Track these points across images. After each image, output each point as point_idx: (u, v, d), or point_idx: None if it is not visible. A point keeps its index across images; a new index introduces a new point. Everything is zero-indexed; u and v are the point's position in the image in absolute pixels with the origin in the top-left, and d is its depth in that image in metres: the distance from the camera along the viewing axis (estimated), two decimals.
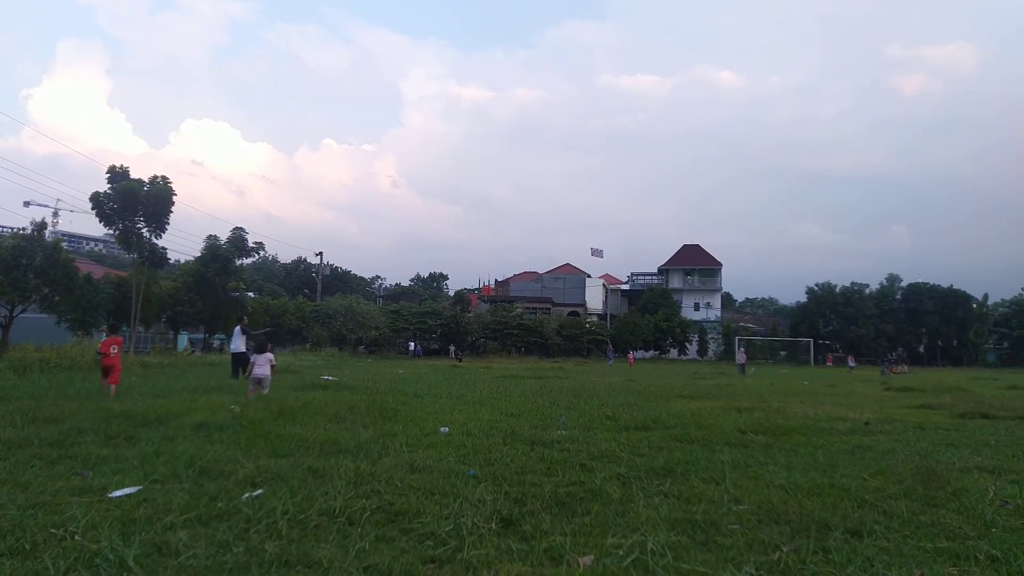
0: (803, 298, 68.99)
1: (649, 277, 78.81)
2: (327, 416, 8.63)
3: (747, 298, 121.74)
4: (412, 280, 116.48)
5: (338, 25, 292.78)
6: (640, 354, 57.79)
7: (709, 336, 65.58)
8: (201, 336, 44.95)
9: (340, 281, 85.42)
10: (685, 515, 4.36)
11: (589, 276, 76.33)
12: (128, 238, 30.27)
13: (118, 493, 4.59)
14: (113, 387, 11.08)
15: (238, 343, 15.87)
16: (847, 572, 3.37)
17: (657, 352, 62.05)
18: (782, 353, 64.99)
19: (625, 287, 79.04)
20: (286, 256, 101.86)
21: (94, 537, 3.61)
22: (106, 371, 11.34)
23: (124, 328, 30.98)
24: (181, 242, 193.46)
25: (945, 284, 65.96)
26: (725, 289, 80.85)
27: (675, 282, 74.60)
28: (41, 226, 28.18)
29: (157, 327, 43.44)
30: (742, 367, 33.15)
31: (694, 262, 75.23)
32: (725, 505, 4.63)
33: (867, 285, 67.71)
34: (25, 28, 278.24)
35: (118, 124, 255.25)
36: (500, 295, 71.53)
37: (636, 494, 4.95)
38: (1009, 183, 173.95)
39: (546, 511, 4.45)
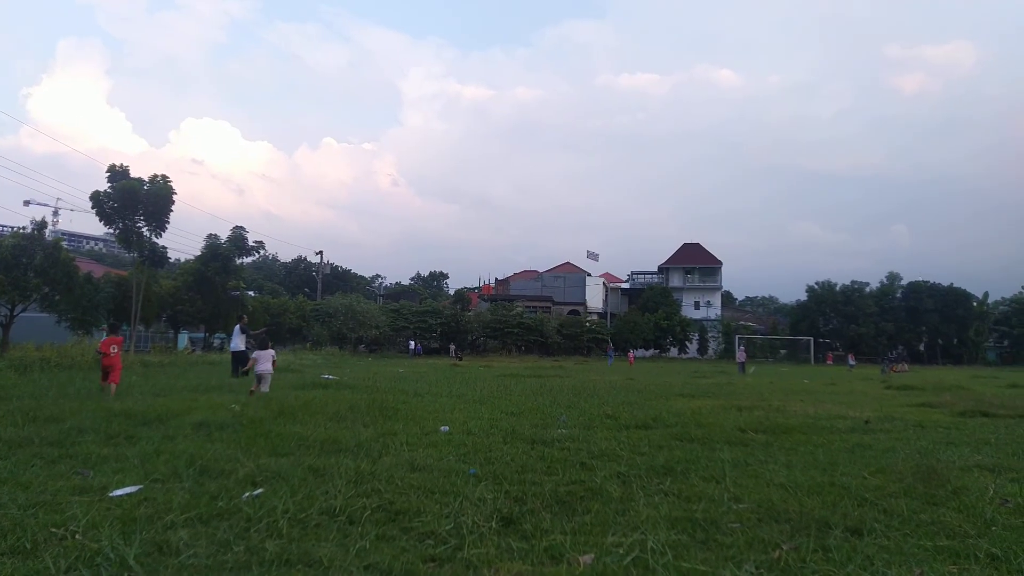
0: (803, 297, 68.98)
1: (649, 276, 78.78)
2: (327, 415, 8.63)
3: (747, 297, 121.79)
4: (412, 279, 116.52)
5: (337, 24, 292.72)
6: (640, 353, 57.79)
7: (709, 335, 65.53)
8: (201, 335, 44.96)
9: (340, 280, 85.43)
10: (685, 514, 4.36)
11: (589, 275, 76.29)
12: (128, 237, 30.29)
13: (119, 492, 4.60)
14: (113, 386, 11.10)
15: (237, 342, 15.91)
16: (847, 570, 3.37)
17: (657, 351, 62.03)
18: (782, 352, 65.01)
19: (625, 286, 79.01)
20: (286, 255, 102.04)
21: (95, 536, 3.61)
22: (106, 371, 11.35)
23: (124, 327, 30.99)
24: (181, 241, 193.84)
25: (945, 283, 65.99)
26: (725, 288, 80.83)
27: (675, 281, 74.56)
28: (41, 225, 28.17)
29: (157, 326, 43.45)
30: (742, 365, 33.15)
31: (694, 261, 75.20)
32: (725, 503, 4.64)
33: (867, 284, 67.74)
34: (25, 27, 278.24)
35: (118, 123, 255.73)
36: (500, 294, 71.50)
37: (636, 493, 4.95)
38: (1009, 182, 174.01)
39: (546, 510, 4.45)
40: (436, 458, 6.09)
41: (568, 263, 79.98)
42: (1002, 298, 69.78)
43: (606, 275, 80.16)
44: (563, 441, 7.32)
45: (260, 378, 11.70)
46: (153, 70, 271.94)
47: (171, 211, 30.75)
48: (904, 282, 68.15)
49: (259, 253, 45.60)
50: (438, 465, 5.76)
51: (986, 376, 31.98)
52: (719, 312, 73.72)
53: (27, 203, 65.71)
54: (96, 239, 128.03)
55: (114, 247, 67.77)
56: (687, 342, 62.50)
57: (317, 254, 65.05)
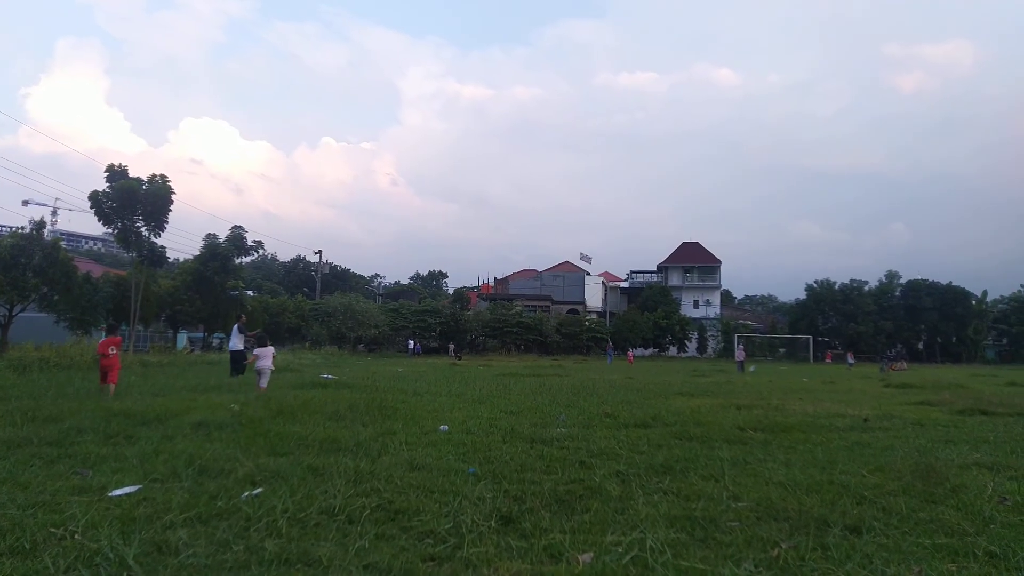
0: (802, 295, 68.99)
1: (648, 275, 78.70)
2: (326, 414, 8.63)
3: (746, 295, 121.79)
4: (411, 278, 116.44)
5: (336, 23, 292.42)
6: (639, 352, 57.78)
7: (708, 333, 65.49)
8: (200, 335, 44.92)
9: (339, 279, 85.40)
10: (684, 512, 4.36)
11: (588, 274, 76.29)
12: (127, 237, 30.27)
13: (118, 492, 4.59)
14: (112, 386, 11.10)
15: (236, 341, 15.93)
16: (846, 569, 3.38)
17: (656, 350, 62.02)
18: (781, 350, 64.99)
19: (624, 285, 78.95)
20: (285, 254, 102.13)
21: (94, 536, 3.61)
22: (105, 372, 11.34)
23: (123, 327, 30.96)
24: (180, 241, 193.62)
25: (944, 281, 66.03)
26: (724, 286, 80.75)
27: (674, 280, 74.52)
28: (40, 225, 28.19)
29: (156, 326, 43.47)
30: (741, 364, 33.15)
31: (693, 259, 75.16)
32: (724, 502, 4.64)
33: (866, 282, 67.72)
34: (23, 26, 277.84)
35: (117, 123, 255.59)
36: (499, 293, 71.46)
37: (635, 491, 4.95)
38: (1007, 181, 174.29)
39: (545, 509, 4.45)
40: (435, 457, 6.09)
41: (567, 262, 79.95)
42: (1001, 296, 69.89)
43: (605, 274, 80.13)
44: (562, 440, 7.32)
45: (259, 373, 12.06)
46: (152, 70, 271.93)
47: (170, 211, 30.76)
48: (903, 280, 68.19)
49: (258, 253, 45.63)
50: (437, 464, 5.76)
51: (985, 374, 32.03)
52: (718, 311, 73.69)
53: (26, 203, 65.77)
54: (95, 239, 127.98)
55: (113, 247, 67.76)
56: (686, 341, 62.46)
57: (316, 253, 65.06)
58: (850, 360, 43.64)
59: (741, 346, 41.14)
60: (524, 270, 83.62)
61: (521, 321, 56.78)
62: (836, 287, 66.13)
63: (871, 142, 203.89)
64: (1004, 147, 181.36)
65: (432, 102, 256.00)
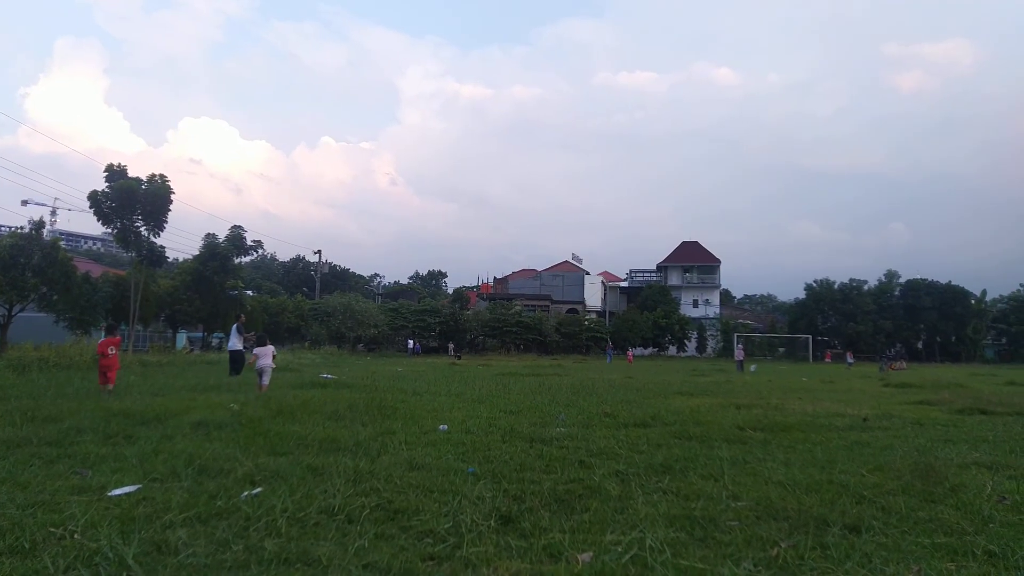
0: (802, 295, 69.02)
1: (648, 274, 78.72)
2: (326, 414, 8.63)
3: (746, 295, 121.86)
4: (411, 278, 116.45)
5: (335, 23, 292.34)
6: (639, 351, 57.78)
7: (708, 333, 65.52)
8: (200, 334, 44.91)
9: (339, 279, 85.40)
10: (684, 512, 4.37)
11: (588, 273, 76.32)
12: (126, 237, 30.27)
13: (117, 492, 4.59)
14: (110, 386, 11.11)
15: (235, 341, 15.95)
16: (845, 568, 3.38)
17: (656, 349, 62.04)
18: (781, 350, 65.03)
19: (624, 284, 78.98)
20: (284, 254, 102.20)
21: (93, 536, 3.61)
22: (104, 372, 11.34)
23: (123, 327, 30.96)
24: (179, 240, 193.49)
25: (943, 280, 66.07)
26: (724, 286, 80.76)
27: (674, 279, 74.53)
28: (39, 225, 28.16)
29: (156, 326, 43.44)
30: (740, 364, 33.17)
31: (693, 259, 75.18)
32: (724, 502, 4.64)
33: (865, 282, 67.76)
34: (22, 26, 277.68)
35: (116, 122, 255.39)
36: (499, 293, 71.45)
37: (635, 491, 4.96)
38: (1007, 180, 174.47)
39: (545, 508, 4.46)
40: (435, 457, 6.09)
41: (567, 262, 79.96)
42: (1000, 296, 70.03)
43: (604, 274, 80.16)
44: (562, 439, 7.32)
45: (261, 373, 12.07)
46: (151, 69, 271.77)
47: (169, 211, 30.76)
48: (902, 280, 68.23)
49: (257, 252, 45.61)
50: (437, 464, 5.76)
51: (984, 374, 32.07)
52: (718, 310, 73.73)
53: (25, 203, 65.55)
54: (94, 239, 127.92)
55: (112, 247, 67.75)
56: (686, 340, 62.49)
57: (315, 253, 64.99)
58: (849, 359, 43.67)
59: (740, 346, 41.18)
60: (523, 270, 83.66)
61: (520, 321, 56.78)
62: (835, 287, 66.15)
63: (871, 142, 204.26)
64: (1004, 146, 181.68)
65: (431, 102, 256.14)
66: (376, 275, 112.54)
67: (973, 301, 65.89)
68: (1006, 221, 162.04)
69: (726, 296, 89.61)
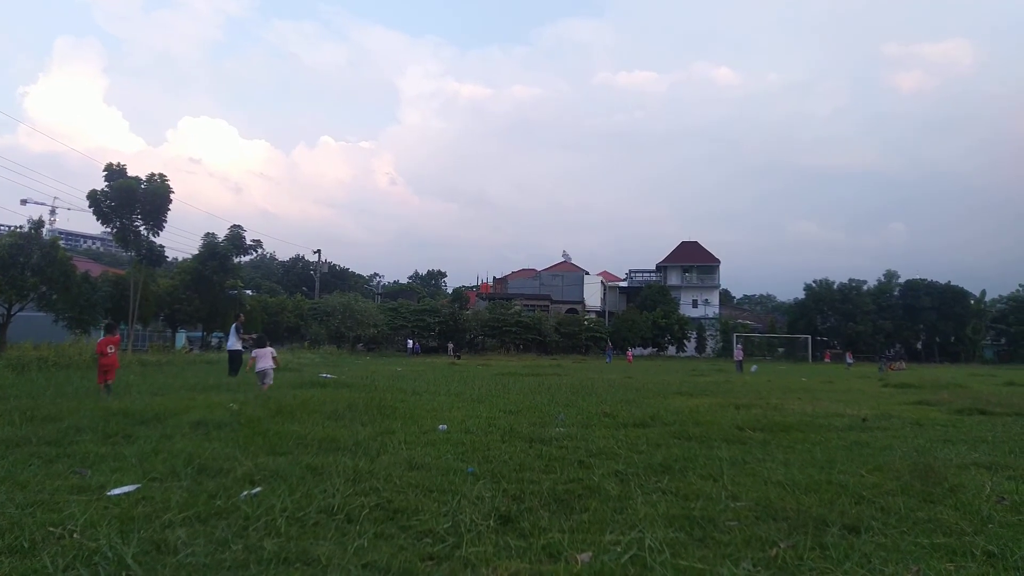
0: (801, 295, 69.05)
1: (647, 274, 78.75)
2: (325, 414, 8.62)
3: (745, 295, 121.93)
4: (410, 277, 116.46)
5: (335, 23, 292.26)
6: (638, 351, 57.79)
7: (707, 333, 65.54)
8: (199, 334, 44.89)
9: (338, 279, 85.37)
10: (683, 512, 4.37)
11: (587, 273, 76.32)
12: (126, 236, 30.23)
13: (116, 491, 4.59)
14: (110, 379, 11.13)
15: (233, 341, 15.94)
16: (844, 568, 3.38)
17: (655, 349, 62.05)
18: (780, 350, 65.03)
19: (623, 284, 78.98)
20: (284, 254, 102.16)
21: (93, 535, 3.61)
22: (103, 371, 11.33)
23: (122, 326, 30.93)
24: (179, 240, 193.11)
25: (943, 280, 66.11)
26: (723, 286, 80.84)
27: (673, 279, 74.55)
28: (38, 224, 28.14)
29: (155, 325, 43.40)
30: (740, 364, 33.17)
31: (692, 259, 75.19)
32: (723, 502, 4.64)
33: (865, 282, 67.79)
34: (22, 25, 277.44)
35: (115, 122, 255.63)
36: (498, 292, 71.46)
37: (634, 491, 4.96)
38: (1006, 180, 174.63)
39: (544, 508, 4.46)
40: (434, 457, 6.08)
41: (566, 262, 79.98)
42: (999, 296, 70.07)
43: (604, 274, 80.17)
44: (561, 439, 7.32)
45: (262, 375, 11.92)
46: (150, 69, 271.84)
47: (168, 210, 30.72)
48: (901, 280, 68.26)
49: (257, 252, 45.52)
50: (436, 464, 5.76)
51: (983, 374, 32.08)
52: (717, 310, 73.75)
53: (24, 202, 65.50)
54: (93, 238, 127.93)
55: (111, 246, 67.69)
56: (685, 340, 62.50)
57: (315, 253, 64.98)
58: (849, 360, 43.67)
59: (740, 345, 41.17)
60: (523, 269, 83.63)
61: (520, 321, 56.77)
62: (835, 287, 66.18)
63: (870, 141, 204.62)
64: (1003, 146, 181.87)
65: (431, 101, 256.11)
66: (375, 275, 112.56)
67: (972, 301, 65.91)
68: (1006, 220, 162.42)
69: (725, 296, 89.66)
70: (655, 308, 62.87)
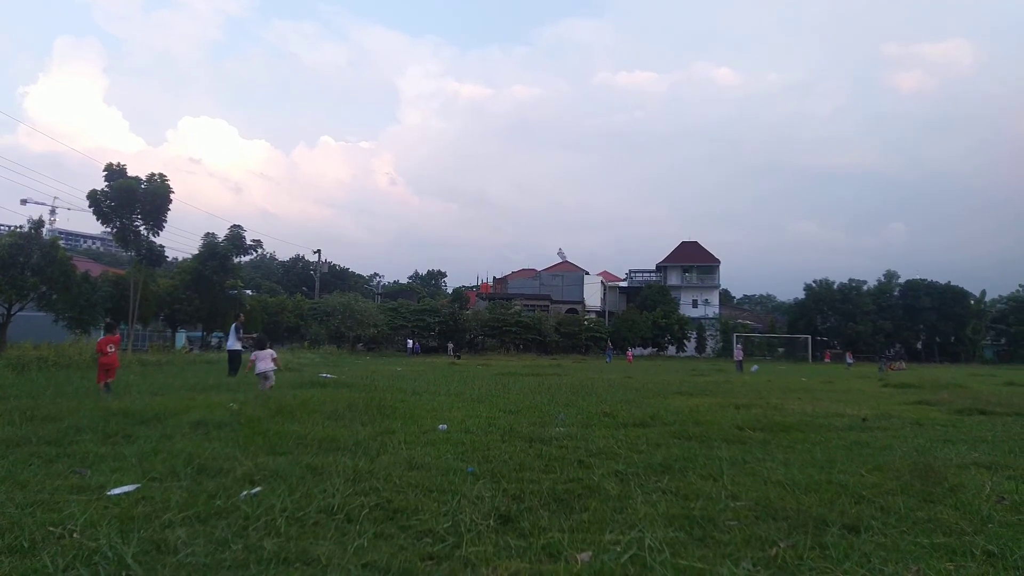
0: (801, 295, 69.07)
1: (647, 274, 78.78)
2: (325, 414, 8.61)
3: (745, 295, 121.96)
4: (410, 277, 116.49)
5: (335, 23, 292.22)
6: (638, 351, 57.80)
7: (707, 333, 65.55)
8: (199, 334, 44.90)
9: (338, 279, 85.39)
10: (683, 511, 4.36)
11: (587, 273, 76.32)
12: (126, 236, 30.24)
13: (116, 491, 4.59)
14: (111, 378, 11.14)
15: (233, 341, 15.94)
16: (844, 568, 3.38)
17: (655, 349, 62.05)
18: (780, 350, 65.04)
19: (623, 284, 79.00)
20: (284, 254, 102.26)
21: (93, 535, 3.61)
22: (103, 370, 11.34)
23: (122, 326, 30.93)
24: (179, 240, 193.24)
25: (943, 280, 66.12)
26: (723, 286, 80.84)
27: (673, 279, 74.56)
28: (38, 224, 28.14)
29: (155, 325, 43.41)
30: (740, 364, 33.17)
31: (692, 259, 75.19)
32: (723, 501, 4.64)
33: (865, 282, 67.81)
34: (21, 25, 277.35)
35: (115, 122, 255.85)
36: (498, 292, 71.46)
37: (634, 491, 4.95)
38: (1006, 179, 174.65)
39: (544, 508, 4.45)
40: (434, 456, 6.08)
41: (566, 262, 79.99)
42: (999, 296, 70.10)
43: (604, 274, 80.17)
44: (561, 439, 7.32)
45: (264, 377, 11.85)
46: (150, 68, 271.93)
47: (168, 210, 30.73)
48: (901, 280, 68.28)
49: (257, 252, 45.54)
50: (436, 463, 5.76)
51: (983, 374, 32.08)
52: (717, 310, 73.76)
53: (24, 202, 65.66)
54: (93, 238, 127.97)
55: (111, 246, 67.69)
56: (685, 340, 62.51)
57: (315, 253, 65.00)
58: (849, 360, 43.67)
59: (740, 345, 41.17)
60: (523, 269, 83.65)
61: (520, 320, 56.78)
62: (835, 287, 66.19)
63: (870, 140, 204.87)
64: (1003, 146, 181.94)
65: (431, 101, 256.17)
66: (375, 275, 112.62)
67: (972, 301, 65.94)
68: (1006, 220, 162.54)
69: (725, 296, 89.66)
70: (655, 308, 62.87)
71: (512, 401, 11.73)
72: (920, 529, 4.07)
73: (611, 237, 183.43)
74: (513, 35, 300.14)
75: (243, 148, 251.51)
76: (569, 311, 65.20)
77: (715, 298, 75.09)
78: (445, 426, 8.06)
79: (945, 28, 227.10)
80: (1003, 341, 67.81)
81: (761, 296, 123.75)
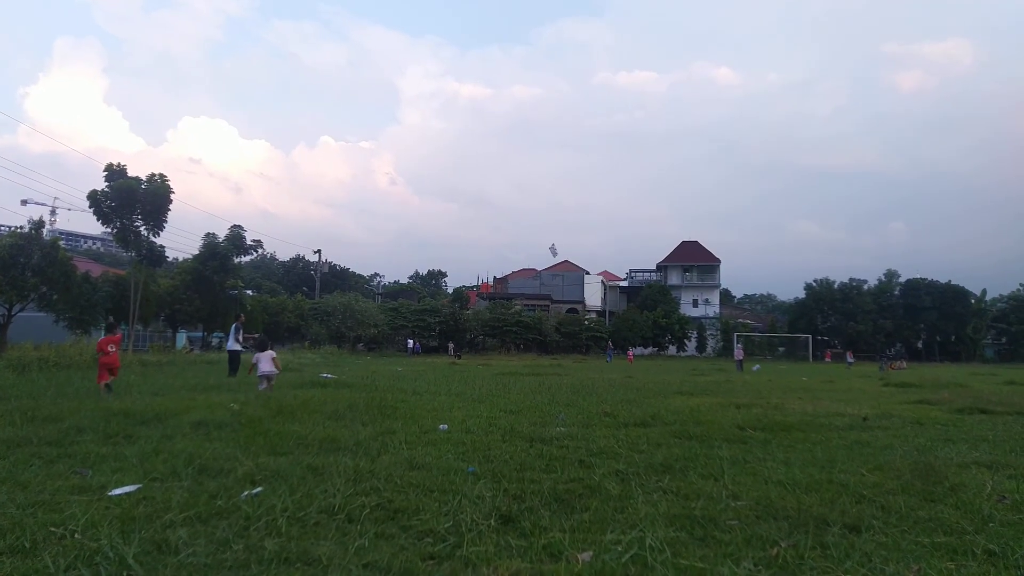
0: (801, 294, 69.10)
1: (648, 274, 78.77)
2: (326, 414, 8.62)
3: (745, 294, 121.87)
4: (411, 277, 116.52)
5: (335, 23, 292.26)
6: (639, 351, 57.81)
7: (708, 332, 65.59)
8: (200, 334, 44.91)
9: (338, 279, 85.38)
10: (683, 511, 4.36)
11: (588, 273, 76.32)
12: (126, 236, 30.27)
13: (117, 491, 4.59)
14: (115, 376, 11.16)
15: (233, 341, 15.94)
16: (845, 567, 3.38)
17: (656, 349, 62.07)
18: (781, 349, 65.12)
19: (624, 284, 79.01)
20: (284, 254, 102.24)
21: (94, 535, 3.61)
22: (104, 370, 11.34)
23: (123, 326, 30.94)
24: (179, 240, 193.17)
25: (943, 280, 66.13)
26: (724, 285, 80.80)
27: (674, 279, 74.55)
28: (39, 224, 28.18)
29: (155, 325, 43.45)
30: (740, 363, 33.18)
31: (692, 258, 75.19)
32: (723, 501, 4.64)
33: (865, 281, 67.92)
34: (21, 26, 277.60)
35: (115, 122, 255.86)
36: (499, 292, 71.44)
37: (635, 490, 4.95)
38: (1006, 179, 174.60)
39: (545, 508, 4.45)
40: (435, 456, 6.08)
41: (567, 261, 80.00)
42: (1000, 295, 70.17)
43: (604, 273, 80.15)
44: (562, 439, 7.31)
45: (264, 380, 11.84)
46: (150, 69, 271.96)
47: (169, 210, 30.78)
48: (902, 279, 68.37)
49: (257, 252, 45.66)
50: (437, 463, 5.76)
51: (984, 373, 32.07)
52: (717, 310, 73.77)
53: (24, 202, 65.54)
54: (94, 238, 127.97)
55: (112, 246, 67.72)
56: (685, 340, 62.54)
57: (315, 253, 65.05)
58: (849, 359, 43.69)
59: (740, 345, 41.20)
60: (523, 269, 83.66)
61: (520, 320, 56.80)
62: (835, 286, 66.24)
63: (870, 140, 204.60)
64: (1003, 146, 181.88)
65: (431, 101, 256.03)
66: (376, 275, 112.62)
67: (973, 301, 66.00)
68: (1006, 219, 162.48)
69: (726, 296, 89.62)
70: (655, 308, 62.89)
71: (513, 401, 11.73)
72: (921, 528, 4.07)
73: (611, 237, 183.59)
74: (513, 35, 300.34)
75: (243, 148, 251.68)
76: (569, 311, 65.21)
77: (715, 298, 75.09)
78: (446, 426, 8.06)
79: (945, 28, 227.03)
80: (1004, 340, 67.84)
81: (761, 296, 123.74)
